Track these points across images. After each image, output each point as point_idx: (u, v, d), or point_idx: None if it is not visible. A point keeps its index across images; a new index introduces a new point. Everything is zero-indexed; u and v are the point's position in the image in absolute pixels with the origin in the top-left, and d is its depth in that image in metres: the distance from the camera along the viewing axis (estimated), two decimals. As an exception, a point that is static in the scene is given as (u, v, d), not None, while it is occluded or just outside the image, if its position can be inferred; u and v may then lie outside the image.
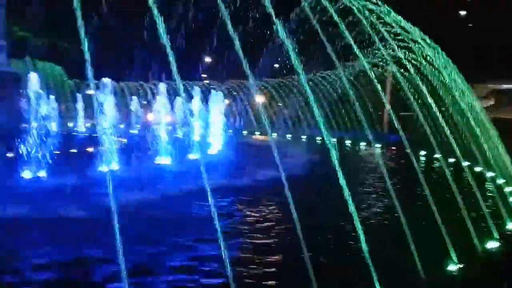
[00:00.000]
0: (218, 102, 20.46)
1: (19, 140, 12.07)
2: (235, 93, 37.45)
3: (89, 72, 4.16)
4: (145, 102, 40.62)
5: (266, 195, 10.10)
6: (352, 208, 4.86)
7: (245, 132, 29.47)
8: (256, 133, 30.13)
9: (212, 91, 21.23)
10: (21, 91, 18.45)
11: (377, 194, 10.92)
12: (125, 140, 15.18)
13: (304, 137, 28.20)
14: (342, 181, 4.78)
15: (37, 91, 12.82)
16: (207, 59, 50.76)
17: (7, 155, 12.64)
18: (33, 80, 13.50)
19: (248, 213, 8.91)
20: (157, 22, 4.68)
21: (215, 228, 4.20)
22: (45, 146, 11.51)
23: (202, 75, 49.74)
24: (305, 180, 11.06)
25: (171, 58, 4.48)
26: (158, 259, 6.05)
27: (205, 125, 19.12)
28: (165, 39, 4.53)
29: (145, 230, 6.88)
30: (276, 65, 39.92)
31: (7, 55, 19.03)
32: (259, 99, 36.60)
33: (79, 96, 35.40)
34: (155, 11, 4.55)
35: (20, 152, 11.29)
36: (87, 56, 4.15)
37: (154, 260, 6.00)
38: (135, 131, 26.49)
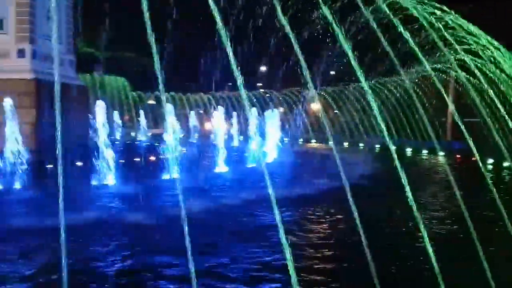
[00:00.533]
0: (274, 112, 20.64)
1: (88, 149, 12.78)
2: (290, 101, 37.50)
3: (161, 85, 4.31)
4: (201, 112, 41.69)
5: (327, 205, 9.85)
6: (421, 226, 4.57)
7: (301, 140, 29.31)
8: (312, 141, 29.88)
9: (270, 103, 21.43)
10: (89, 103, 19.59)
11: (447, 207, 10.19)
12: (184, 149, 15.62)
13: (362, 145, 27.63)
14: (409, 193, 4.52)
15: (103, 103, 13.48)
16: (262, 68, 51.22)
17: (78, 163, 13.44)
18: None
19: (311, 222, 8.76)
20: (221, 33, 4.76)
21: (279, 237, 4.18)
22: (111, 155, 12.06)
23: (258, 84, 50.27)
24: (367, 190, 10.71)
25: (235, 70, 4.54)
26: (226, 267, 6.06)
27: (261, 134, 19.29)
28: (231, 54, 4.59)
29: (211, 238, 6.97)
30: (332, 72, 39.53)
31: (76, 69, 20.29)
32: (315, 106, 36.36)
33: (141, 106, 37.00)
34: (220, 25, 4.62)
35: (89, 161, 11.91)
36: (158, 68, 4.30)
37: (223, 267, 6.01)
38: (194, 141, 27.19)
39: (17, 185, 10.78)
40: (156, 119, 38.57)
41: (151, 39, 4.43)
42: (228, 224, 8.03)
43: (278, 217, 4.11)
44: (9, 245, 6.68)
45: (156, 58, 4.33)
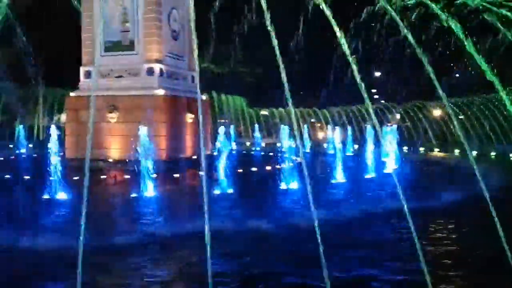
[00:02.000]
0: (391, 120, 19.72)
1: (211, 159, 13.36)
2: (412, 114, 35.65)
3: (289, 98, 4.30)
4: (313, 121, 41.59)
5: (461, 220, 8.94)
6: None
7: (422, 149, 27.56)
8: (435, 149, 27.92)
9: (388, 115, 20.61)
10: (210, 116, 20.66)
11: None
12: (299, 159, 15.59)
13: (493, 153, 25.03)
14: None
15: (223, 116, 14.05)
16: (377, 73, 49.57)
17: (200, 173, 14.18)
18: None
19: (448, 238, 8.00)
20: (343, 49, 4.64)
21: (415, 252, 3.86)
22: (230, 165, 12.47)
23: (372, 90, 48.81)
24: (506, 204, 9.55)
25: (361, 86, 4.39)
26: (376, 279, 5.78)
27: (378, 142, 18.50)
28: (355, 70, 4.45)
29: (341, 250, 6.72)
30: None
31: (198, 84, 21.57)
32: (437, 113, 34.06)
33: (255, 117, 38.30)
34: (346, 50, 4.51)
35: (211, 171, 12.40)
36: (286, 85, 4.30)
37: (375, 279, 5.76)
38: (307, 150, 27.16)
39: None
40: (269, 129, 39.53)
41: (279, 61, 4.45)
42: (356, 235, 7.69)
43: (409, 230, 3.82)
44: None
45: (285, 85, 4.33)
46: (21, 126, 29.64)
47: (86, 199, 4.19)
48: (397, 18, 5.31)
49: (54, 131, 11.87)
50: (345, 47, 4.75)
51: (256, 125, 35.11)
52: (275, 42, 4.48)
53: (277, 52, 4.45)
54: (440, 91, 5.91)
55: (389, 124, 20.77)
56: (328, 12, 4.65)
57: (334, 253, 5.59)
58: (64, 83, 25.68)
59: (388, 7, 5.42)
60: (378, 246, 7.20)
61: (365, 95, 4.62)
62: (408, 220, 4.20)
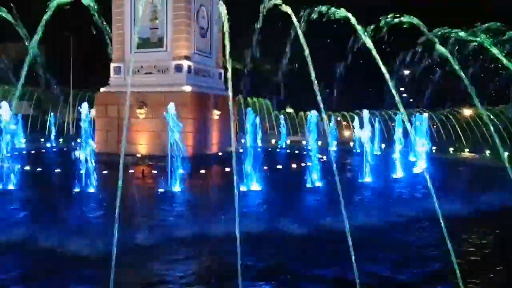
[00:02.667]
0: (422, 116, 19.29)
1: (235, 157, 13.37)
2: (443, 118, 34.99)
3: (320, 104, 4.30)
4: (340, 119, 41.21)
5: (501, 227, 8.56)
6: None
7: (451, 149, 26.92)
8: (466, 150, 27.27)
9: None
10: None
11: None
12: (325, 158, 15.45)
13: (526, 155, 24.24)
14: None
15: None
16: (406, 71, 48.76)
17: (226, 170, 14.26)
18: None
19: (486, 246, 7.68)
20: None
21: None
22: (255, 162, 12.45)
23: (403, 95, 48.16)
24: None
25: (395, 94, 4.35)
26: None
27: (407, 142, 18.13)
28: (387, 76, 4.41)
29: (379, 254, 6.58)
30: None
31: (223, 82, 21.68)
32: (467, 112, 33.25)
33: (280, 114, 38.28)
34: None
35: (236, 168, 12.40)
36: (316, 87, 4.30)
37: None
38: (333, 148, 26.89)
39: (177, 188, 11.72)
40: (294, 126, 39.48)
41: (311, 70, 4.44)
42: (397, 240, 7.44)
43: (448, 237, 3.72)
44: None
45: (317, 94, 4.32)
46: (52, 121, 30.49)
47: (120, 193, 4.27)
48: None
49: (84, 126, 12.10)
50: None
51: (282, 123, 35.04)
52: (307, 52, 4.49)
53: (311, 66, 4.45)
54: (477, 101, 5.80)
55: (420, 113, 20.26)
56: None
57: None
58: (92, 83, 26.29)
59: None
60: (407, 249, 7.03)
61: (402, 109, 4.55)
62: (441, 227, 4.10)
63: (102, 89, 19.21)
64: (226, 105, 19.64)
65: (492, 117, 30.11)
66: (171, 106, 12.09)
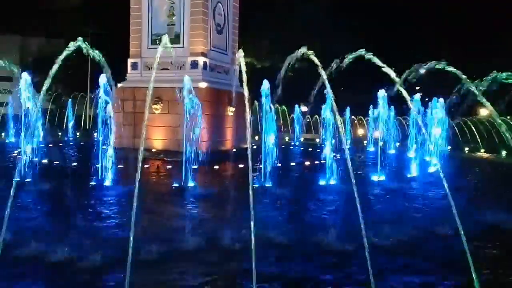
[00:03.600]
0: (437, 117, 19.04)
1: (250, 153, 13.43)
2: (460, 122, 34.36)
3: (334, 105, 4.35)
4: (353, 117, 40.95)
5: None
6: None
7: (466, 149, 26.56)
8: (481, 150, 26.87)
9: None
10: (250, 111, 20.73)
11: None
12: (338, 155, 15.42)
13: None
14: None
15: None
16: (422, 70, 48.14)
17: (240, 166, 14.33)
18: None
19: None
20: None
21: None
22: (269, 159, 12.49)
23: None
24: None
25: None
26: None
27: (421, 141, 17.96)
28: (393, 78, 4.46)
29: (402, 260, 6.55)
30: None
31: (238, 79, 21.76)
32: (484, 112, 32.75)
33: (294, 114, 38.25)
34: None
35: (250, 164, 12.44)
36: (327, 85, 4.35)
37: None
38: (347, 146, 26.65)
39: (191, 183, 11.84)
40: (308, 124, 39.34)
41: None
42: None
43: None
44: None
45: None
46: (70, 115, 30.95)
47: (137, 186, 4.39)
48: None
49: (101, 121, 12.31)
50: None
51: (295, 120, 34.99)
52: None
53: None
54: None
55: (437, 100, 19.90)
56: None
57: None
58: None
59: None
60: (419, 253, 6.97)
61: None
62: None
63: (119, 85, 19.46)
64: (241, 102, 19.74)
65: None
66: (187, 80, 12.48)
